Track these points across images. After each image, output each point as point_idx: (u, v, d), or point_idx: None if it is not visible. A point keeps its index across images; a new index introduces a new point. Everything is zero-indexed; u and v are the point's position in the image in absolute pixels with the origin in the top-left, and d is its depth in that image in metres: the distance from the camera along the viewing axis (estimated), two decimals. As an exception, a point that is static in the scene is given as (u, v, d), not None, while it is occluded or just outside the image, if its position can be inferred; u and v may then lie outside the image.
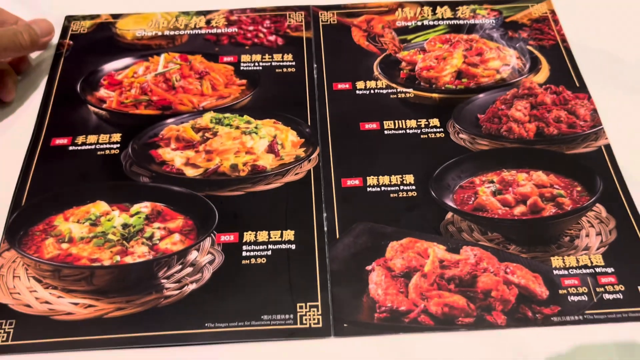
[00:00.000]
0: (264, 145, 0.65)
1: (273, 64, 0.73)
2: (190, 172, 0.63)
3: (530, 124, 0.66)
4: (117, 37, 0.76)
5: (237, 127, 0.66)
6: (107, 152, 0.64)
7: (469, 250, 0.56)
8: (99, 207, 0.60)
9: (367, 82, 0.71)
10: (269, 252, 0.56)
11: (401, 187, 0.61)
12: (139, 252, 0.56)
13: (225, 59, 0.74)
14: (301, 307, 0.53)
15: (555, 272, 0.55)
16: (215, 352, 0.51)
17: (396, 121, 0.67)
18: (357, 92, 0.70)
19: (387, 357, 0.50)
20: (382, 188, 0.61)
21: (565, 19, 0.77)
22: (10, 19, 0.70)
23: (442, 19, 0.78)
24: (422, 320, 0.52)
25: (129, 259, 0.55)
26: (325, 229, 0.58)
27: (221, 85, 0.71)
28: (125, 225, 0.58)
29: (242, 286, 0.54)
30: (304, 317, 0.52)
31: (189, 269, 0.55)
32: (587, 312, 0.52)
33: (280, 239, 0.57)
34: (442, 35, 0.76)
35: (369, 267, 0.55)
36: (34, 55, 0.74)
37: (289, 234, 0.57)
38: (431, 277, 0.54)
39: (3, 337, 0.51)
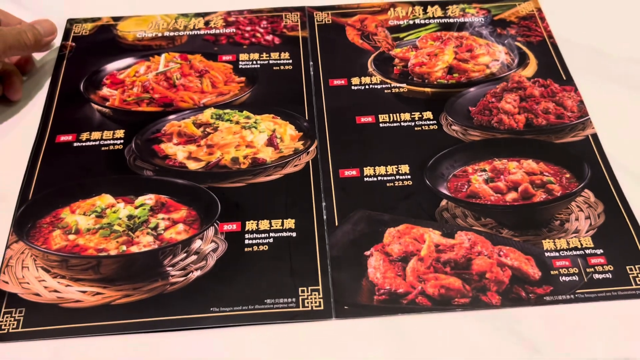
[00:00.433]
0: (263, 139, 0.67)
1: (270, 62, 0.75)
2: (192, 166, 0.64)
3: (519, 115, 0.68)
4: (118, 39, 0.78)
5: (237, 122, 0.68)
6: (111, 147, 0.66)
7: (464, 235, 0.58)
8: (105, 199, 0.61)
9: (362, 78, 0.73)
10: (271, 240, 0.58)
11: (397, 177, 0.63)
12: (145, 242, 0.57)
13: (224, 58, 0.76)
14: (303, 291, 0.55)
15: (546, 254, 0.57)
16: (220, 335, 0.52)
17: (391, 114, 0.69)
18: (353, 87, 0.72)
19: (387, 337, 0.52)
20: (379, 178, 0.63)
21: (551, 16, 0.80)
22: (14, 21, 0.72)
23: (433, 17, 0.81)
24: (420, 302, 0.54)
25: (134, 249, 0.57)
26: (325, 217, 0.60)
27: (221, 83, 0.73)
28: (130, 217, 0.59)
29: (245, 272, 0.56)
30: (305, 301, 0.54)
31: (194, 257, 0.57)
32: (578, 291, 0.54)
33: (281, 227, 0.59)
34: (434, 33, 0.79)
35: (367, 253, 0.57)
36: (38, 56, 0.76)
37: (290, 223, 0.59)
38: (428, 261, 0.56)
39: (13, 324, 0.53)
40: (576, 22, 0.80)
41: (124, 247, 0.57)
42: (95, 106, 0.71)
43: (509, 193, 0.62)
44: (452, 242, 0.58)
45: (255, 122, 0.68)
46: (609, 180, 0.62)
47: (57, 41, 0.77)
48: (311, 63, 0.75)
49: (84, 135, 0.67)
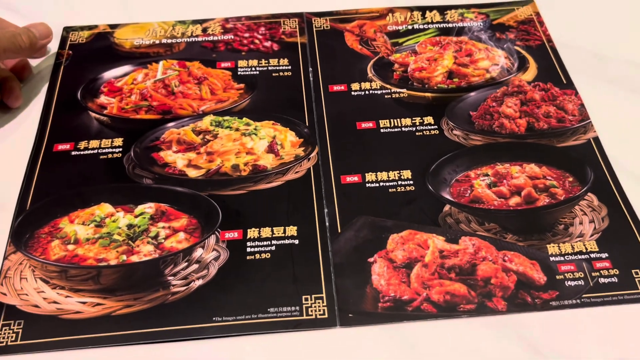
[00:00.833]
0: (263, 145, 0.66)
1: (269, 68, 0.75)
2: (192, 173, 0.64)
3: (520, 119, 0.68)
4: (115, 46, 0.78)
5: (237, 129, 0.67)
6: (110, 156, 0.65)
7: (468, 240, 0.58)
8: (104, 208, 0.61)
9: (362, 83, 0.73)
10: (273, 248, 0.57)
11: (399, 182, 0.63)
12: (145, 251, 0.57)
13: (223, 64, 0.76)
14: (306, 299, 0.54)
15: (551, 258, 0.57)
16: (223, 345, 0.52)
17: (392, 120, 0.69)
18: (353, 93, 0.72)
19: (393, 345, 0.51)
20: (381, 183, 0.63)
21: (550, 20, 0.80)
22: (9, 27, 0.71)
23: (432, 22, 0.81)
24: (425, 308, 0.53)
25: (135, 258, 0.56)
26: (327, 224, 0.59)
27: (220, 90, 0.73)
28: (130, 226, 0.59)
29: (248, 280, 0.55)
30: (309, 309, 0.53)
31: (195, 266, 0.56)
32: (584, 295, 0.54)
33: (283, 235, 0.58)
34: (433, 37, 0.79)
35: (371, 259, 0.57)
36: (34, 64, 0.75)
37: (292, 230, 0.59)
38: (432, 267, 0.56)
39: (12, 337, 0.52)
40: (575, 25, 0.80)
41: (124, 257, 0.56)
42: (93, 114, 0.70)
43: (512, 197, 0.61)
44: (456, 247, 0.57)
45: (255, 129, 0.67)
46: (612, 184, 0.62)
47: (54, 48, 0.76)
48: (310, 69, 0.74)
49: (82, 144, 0.66)
